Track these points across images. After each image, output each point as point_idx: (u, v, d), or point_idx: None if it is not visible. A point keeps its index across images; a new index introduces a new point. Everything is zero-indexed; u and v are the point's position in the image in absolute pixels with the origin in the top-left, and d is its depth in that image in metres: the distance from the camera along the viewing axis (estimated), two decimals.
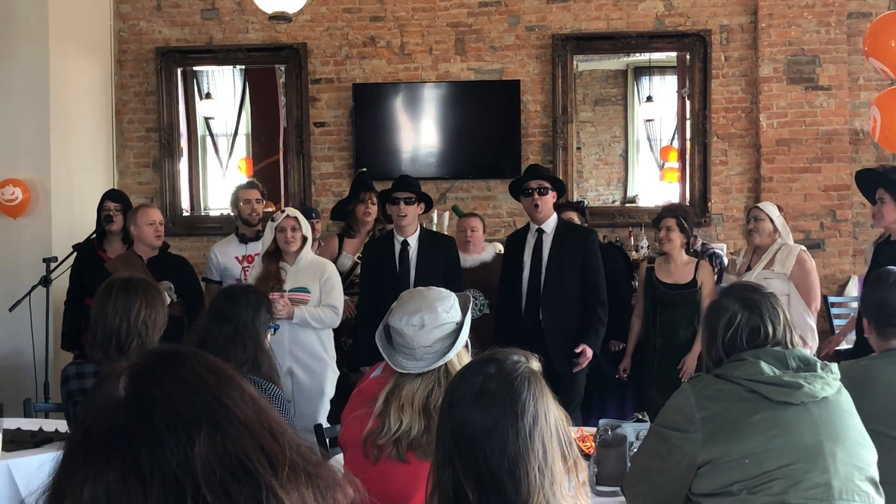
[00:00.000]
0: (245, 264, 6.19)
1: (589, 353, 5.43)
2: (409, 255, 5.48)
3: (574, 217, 6.32)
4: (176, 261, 6.05)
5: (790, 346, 2.73)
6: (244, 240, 6.28)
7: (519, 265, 5.60)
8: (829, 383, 2.63)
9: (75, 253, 6.34)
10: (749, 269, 5.78)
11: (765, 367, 2.60)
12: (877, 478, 2.64)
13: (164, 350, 1.24)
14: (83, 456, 1.10)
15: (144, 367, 1.18)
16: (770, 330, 2.73)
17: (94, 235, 6.31)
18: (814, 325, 5.63)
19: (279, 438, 1.16)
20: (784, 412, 2.57)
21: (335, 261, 6.04)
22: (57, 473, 1.12)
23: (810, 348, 5.52)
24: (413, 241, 5.51)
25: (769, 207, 5.85)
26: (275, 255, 5.40)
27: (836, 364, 2.74)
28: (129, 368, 1.18)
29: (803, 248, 5.80)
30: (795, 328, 2.82)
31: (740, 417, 2.57)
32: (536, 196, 5.51)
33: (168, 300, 5.51)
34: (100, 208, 6.29)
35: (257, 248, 6.21)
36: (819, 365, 2.66)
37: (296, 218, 5.38)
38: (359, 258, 6.22)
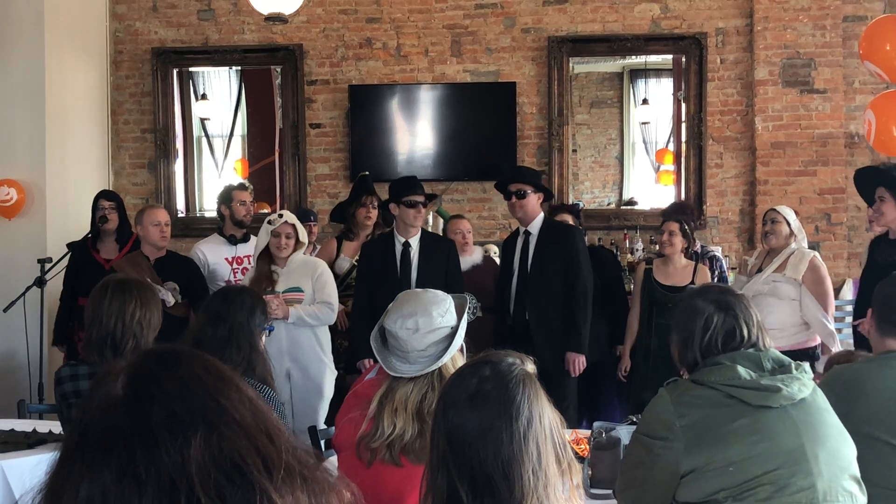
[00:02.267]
0: (235, 265, 6.17)
1: (574, 358, 5.43)
2: (411, 256, 5.47)
3: (569, 219, 6.32)
4: (182, 262, 6.01)
5: (763, 348, 2.73)
6: (233, 241, 6.26)
7: (510, 267, 5.66)
8: (805, 384, 2.62)
9: (70, 252, 6.32)
10: (760, 270, 5.75)
11: (741, 370, 2.59)
12: (858, 475, 2.63)
13: (162, 350, 1.24)
14: (80, 454, 1.10)
15: (143, 366, 1.18)
16: (745, 332, 2.73)
17: (90, 235, 6.29)
18: (834, 330, 5.60)
19: (275, 441, 1.16)
20: (764, 416, 2.56)
21: (333, 263, 6.04)
22: (54, 471, 1.12)
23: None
24: (415, 242, 5.49)
25: (786, 210, 5.82)
26: (266, 257, 5.39)
27: (807, 363, 2.73)
28: (127, 367, 1.18)
29: (816, 253, 5.76)
30: (783, 331, 2.82)
31: (721, 424, 2.56)
32: (514, 199, 5.56)
33: (172, 301, 5.52)
34: (94, 208, 6.27)
35: (246, 249, 6.21)
36: (793, 366, 2.66)
37: (294, 225, 5.37)
38: (356, 262, 6.21)
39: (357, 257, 6.20)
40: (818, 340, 5.64)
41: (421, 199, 5.46)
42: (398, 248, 5.50)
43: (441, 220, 7.52)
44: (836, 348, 5.51)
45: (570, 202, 7.77)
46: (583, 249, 5.65)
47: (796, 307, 5.58)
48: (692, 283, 5.81)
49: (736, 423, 2.55)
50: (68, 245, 6.43)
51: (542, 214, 5.68)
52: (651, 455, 2.61)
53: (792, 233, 5.72)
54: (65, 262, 6.31)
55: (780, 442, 2.54)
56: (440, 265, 5.45)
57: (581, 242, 5.70)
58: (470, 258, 6.25)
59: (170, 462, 1.07)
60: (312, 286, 5.35)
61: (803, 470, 2.52)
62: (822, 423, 2.62)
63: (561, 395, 5.38)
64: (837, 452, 2.60)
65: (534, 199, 5.58)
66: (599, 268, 5.84)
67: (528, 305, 5.51)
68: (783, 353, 2.77)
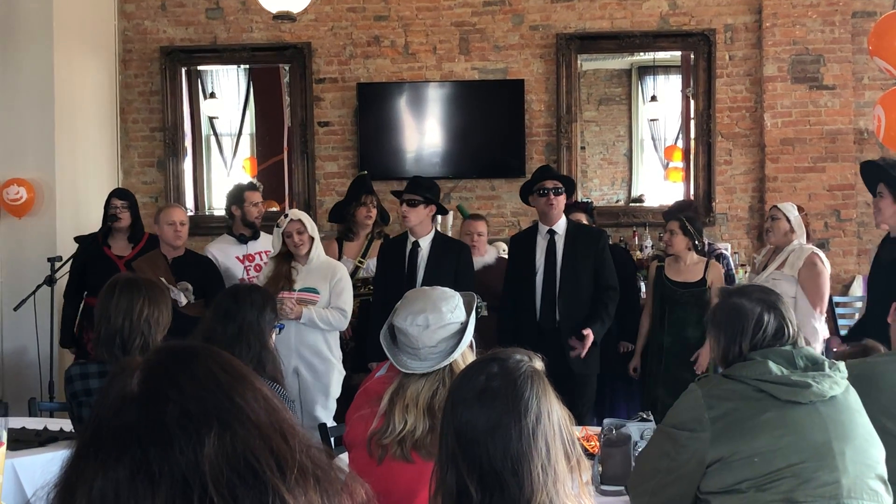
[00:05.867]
0: (247, 263, 6.18)
1: (590, 337, 5.35)
2: (419, 256, 5.47)
3: (582, 218, 6.31)
4: (201, 261, 6.01)
5: (799, 345, 2.74)
6: (243, 239, 6.27)
7: (530, 267, 5.57)
8: (837, 382, 2.64)
9: (79, 245, 6.32)
10: (765, 268, 5.75)
11: (773, 366, 2.61)
12: (885, 475, 2.65)
13: (178, 347, 1.23)
14: (94, 451, 1.10)
15: (158, 363, 1.18)
16: (790, 330, 2.75)
17: (99, 231, 6.28)
18: (818, 328, 5.55)
19: (290, 440, 1.16)
20: (792, 411, 2.58)
21: None
22: (68, 467, 1.12)
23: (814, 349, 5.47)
24: (425, 243, 5.49)
25: (788, 207, 5.80)
26: (286, 256, 5.41)
27: (843, 363, 2.74)
28: (142, 364, 1.17)
29: (816, 250, 5.72)
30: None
31: (749, 416, 2.58)
32: (552, 196, 5.49)
33: (184, 301, 5.53)
34: (106, 206, 6.27)
35: (257, 246, 6.23)
36: (827, 364, 2.67)
37: (300, 220, 5.38)
38: (359, 262, 6.23)
39: (359, 258, 6.23)
40: (820, 339, 5.62)
41: (414, 197, 5.44)
42: (408, 248, 5.51)
43: (452, 218, 7.52)
44: (816, 346, 5.47)
45: (580, 200, 7.75)
46: (609, 253, 5.67)
47: (793, 305, 5.56)
48: (703, 279, 5.81)
49: (764, 415, 2.57)
50: (76, 238, 6.44)
51: (564, 215, 5.67)
52: (677, 446, 2.63)
53: (792, 229, 5.70)
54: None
55: (807, 436, 2.56)
56: (449, 267, 5.43)
57: (608, 246, 5.72)
58: (481, 259, 6.25)
59: (183, 461, 1.07)
60: (329, 290, 5.36)
61: (828, 465, 2.53)
62: (852, 422, 2.63)
63: (583, 398, 5.38)
64: (865, 451, 2.61)
65: (563, 198, 5.58)
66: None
67: (559, 307, 5.47)
68: None
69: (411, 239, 5.51)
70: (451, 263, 5.46)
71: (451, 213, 7.68)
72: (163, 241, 5.88)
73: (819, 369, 2.64)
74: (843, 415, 2.62)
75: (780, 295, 2.89)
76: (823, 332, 5.68)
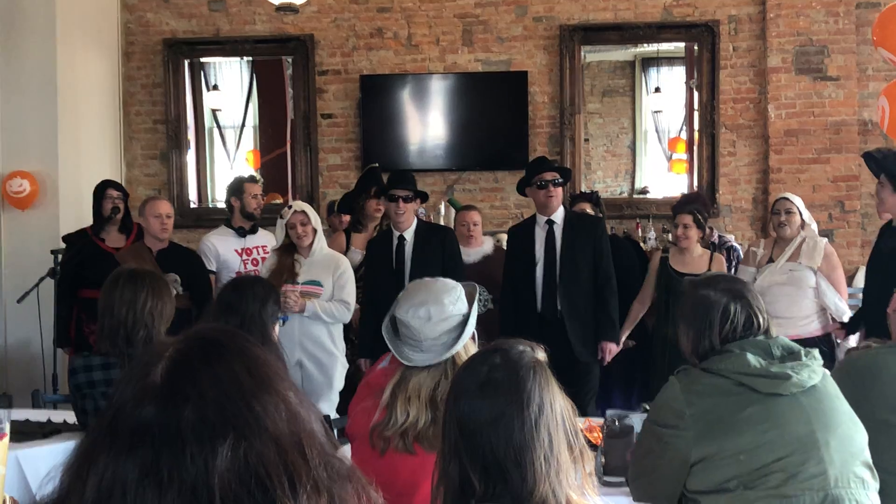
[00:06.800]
0: (244, 257, 6.16)
1: (610, 347, 5.45)
2: (406, 250, 5.47)
3: (588, 208, 6.31)
4: (185, 253, 6.02)
5: (772, 335, 2.72)
6: (242, 232, 6.25)
7: (530, 257, 5.57)
8: (815, 370, 2.61)
9: (69, 245, 6.25)
10: (771, 260, 5.73)
11: (751, 358, 2.58)
12: (870, 461, 2.62)
13: (208, 337, 1.20)
14: (109, 442, 1.09)
15: (185, 357, 1.15)
16: (760, 319, 2.72)
17: (93, 225, 6.23)
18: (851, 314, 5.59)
19: (307, 452, 1.13)
20: (774, 404, 2.55)
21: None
22: (82, 453, 1.11)
23: (849, 339, 5.48)
24: (409, 235, 5.49)
25: (797, 199, 5.82)
26: (289, 249, 5.40)
27: (817, 350, 2.72)
28: (170, 353, 1.15)
29: (827, 240, 5.76)
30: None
31: (731, 413, 2.55)
32: (552, 188, 5.51)
33: (173, 292, 5.51)
34: (101, 197, 6.16)
35: (255, 240, 6.21)
36: (803, 352, 2.64)
37: (304, 212, 5.38)
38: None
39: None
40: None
41: (403, 193, 5.43)
42: (395, 243, 5.50)
43: (453, 211, 7.51)
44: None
45: (584, 191, 7.74)
46: (608, 240, 5.69)
47: (814, 294, 5.56)
48: (709, 271, 5.79)
49: (746, 411, 2.54)
50: (65, 238, 6.38)
51: (561, 205, 5.68)
52: (661, 444, 2.61)
53: (804, 221, 5.72)
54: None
55: (791, 429, 2.53)
56: (436, 254, 5.43)
57: (606, 233, 5.75)
58: (480, 249, 6.24)
59: (194, 469, 1.06)
60: (333, 283, 5.36)
61: (814, 457, 2.51)
62: (833, 410, 2.61)
63: (586, 387, 5.40)
64: (849, 439, 2.59)
65: (562, 188, 5.61)
66: (618, 258, 5.82)
67: (560, 297, 5.47)
68: (810, 340, 2.77)
69: (396, 234, 5.51)
70: (437, 251, 5.46)
71: (442, 204, 7.69)
72: (148, 234, 5.85)
73: (796, 359, 2.61)
74: (823, 403, 2.60)
75: (747, 283, 2.87)
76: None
